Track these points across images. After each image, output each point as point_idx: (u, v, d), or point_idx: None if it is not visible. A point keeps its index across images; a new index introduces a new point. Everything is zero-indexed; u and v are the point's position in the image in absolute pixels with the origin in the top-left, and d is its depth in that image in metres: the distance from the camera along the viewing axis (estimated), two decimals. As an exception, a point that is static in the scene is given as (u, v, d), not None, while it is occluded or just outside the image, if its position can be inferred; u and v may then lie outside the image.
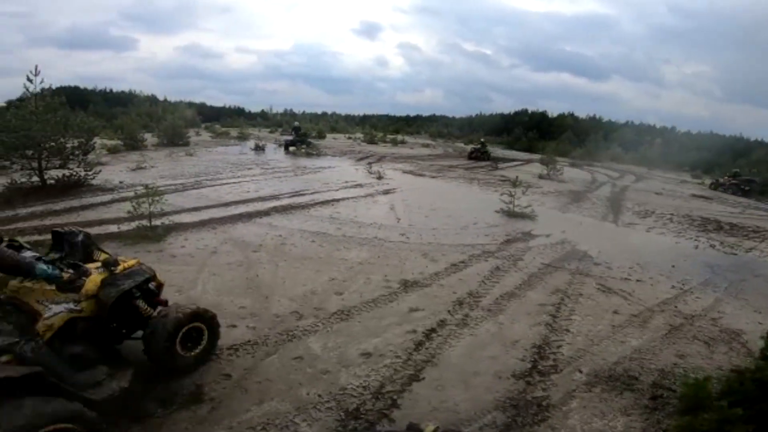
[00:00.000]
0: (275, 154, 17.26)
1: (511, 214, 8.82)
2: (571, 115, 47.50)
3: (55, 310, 2.36)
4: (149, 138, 17.84)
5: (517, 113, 50.72)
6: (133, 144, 15.90)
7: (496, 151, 27.69)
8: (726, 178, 19.02)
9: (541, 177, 16.06)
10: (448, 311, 4.35)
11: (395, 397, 3.00)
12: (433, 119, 56.16)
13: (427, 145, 29.43)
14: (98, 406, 2.22)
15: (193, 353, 3.03)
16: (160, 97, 41.41)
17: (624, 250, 7.12)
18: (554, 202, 11.38)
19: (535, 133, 38.47)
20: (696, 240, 8.57)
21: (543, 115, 47.90)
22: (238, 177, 11.19)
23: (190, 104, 36.41)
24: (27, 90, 8.40)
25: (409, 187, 11.50)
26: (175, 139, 17.98)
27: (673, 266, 6.52)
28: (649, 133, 40.13)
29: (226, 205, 8.00)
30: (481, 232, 7.50)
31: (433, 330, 3.94)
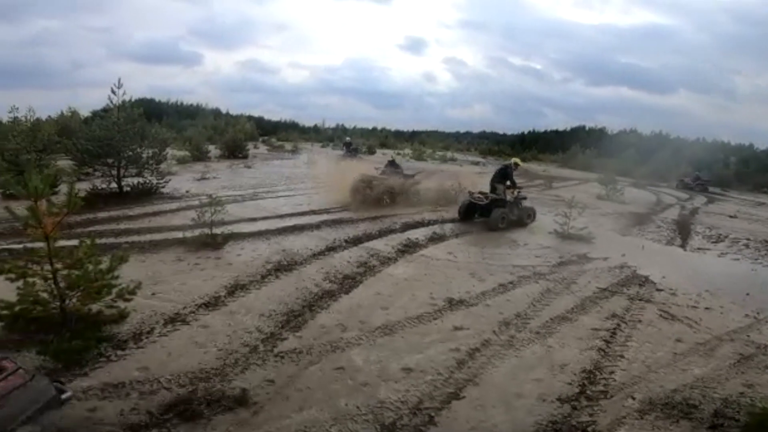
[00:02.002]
0: (327, 169, 17.77)
1: (565, 236, 8.44)
2: (634, 131, 44.78)
3: (509, 196, 9.22)
4: (213, 150, 19.10)
5: (573, 129, 48.75)
6: (199, 155, 17.11)
7: (550, 169, 26.68)
8: (688, 179, 23.25)
9: (599, 198, 15.25)
10: (494, 331, 4.24)
11: (433, 413, 2.97)
12: (483, 136, 55.25)
13: (476, 163, 29.02)
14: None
15: (529, 220, 9.48)
16: (224, 111, 44.07)
17: (692, 276, 6.58)
18: (614, 225, 10.77)
19: (594, 151, 36.65)
20: (778, 270, 7.72)
21: (602, 132, 45.63)
22: (292, 190, 11.66)
23: (250, 118, 38.34)
24: (110, 101, 9.28)
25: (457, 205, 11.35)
26: (235, 152, 19.12)
27: (748, 294, 5.94)
28: (723, 150, 36.85)
29: (281, 217, 8.36)
30: (532, 253, 7.26)
31: (476, 349, 3.86)
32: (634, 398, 3.31)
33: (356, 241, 7.02)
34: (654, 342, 4.29)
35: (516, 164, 9.80)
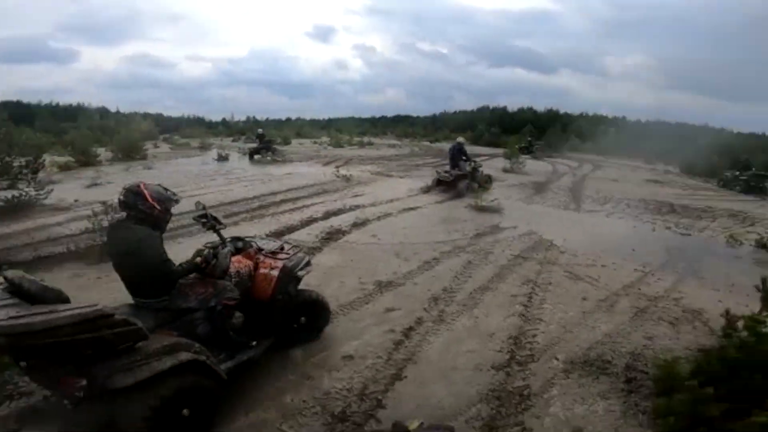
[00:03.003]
0: (240, 163, 16.84)
1: (479, 209, 9.00)
2: (530, 109, 49.06)
3: (468, 168, 11.57)
4: (103, 153, 17.02)
5: (479, 109, 51.98)
6: (87, 160, 15.13)
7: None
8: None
9: (505, 170, 16.49)
10: (424, 309, 4.38)
11: (380, 397, 3.00)
12: (398, 119, 56.56)
13: (393, 146, 29.53)
14: None
15: (489, 185, 11.92)
16: (112, 109, 39.65)
17: (587, 237, 7.40)
18: (519, 194, 11.71)
19: (498, 129, 39.43)
20: (652, 223, 9.03)
21: (504, 111, 49.29)
22: (202, 188, 10.85)
23: (146, 115, 35.03)
24: None
25: (377, 189, 11.51)
26: (131, 153, 17.20)
27: (634, 250, 6.82)
28: (603, 123, 41.98)
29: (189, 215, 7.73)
30: (451, 228, 7.61)
31: (410, 328, 3.96)
32: (557, 359, 3.53)
33: (277, 234, 6.77)
34: (565, 302, 4.63)
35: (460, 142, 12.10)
